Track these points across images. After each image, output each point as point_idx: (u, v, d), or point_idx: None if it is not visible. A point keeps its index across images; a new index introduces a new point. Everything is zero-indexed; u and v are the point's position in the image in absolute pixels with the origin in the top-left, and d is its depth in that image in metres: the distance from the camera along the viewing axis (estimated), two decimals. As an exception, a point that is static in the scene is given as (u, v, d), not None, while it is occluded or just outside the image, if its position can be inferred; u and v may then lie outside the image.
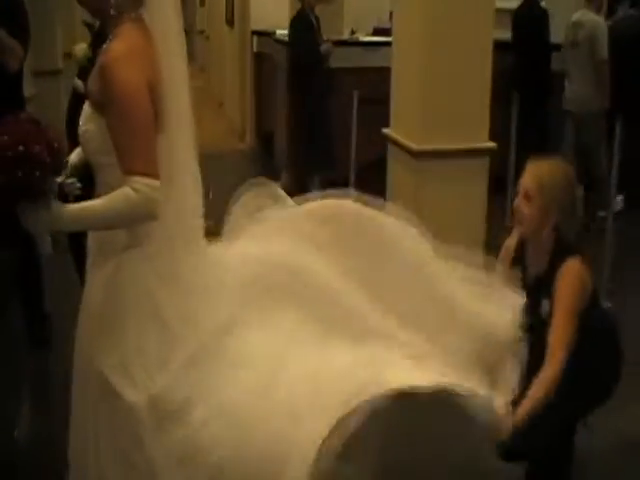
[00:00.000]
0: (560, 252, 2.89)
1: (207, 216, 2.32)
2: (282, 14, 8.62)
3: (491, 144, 4.50)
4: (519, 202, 2.95)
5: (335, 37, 7.84)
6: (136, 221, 2.11)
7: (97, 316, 2.19)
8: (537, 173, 2.94)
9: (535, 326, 2.78)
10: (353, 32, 8.63)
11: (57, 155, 2.05)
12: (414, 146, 4.39)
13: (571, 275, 2.83)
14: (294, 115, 6.92)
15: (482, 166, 4.52)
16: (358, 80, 6.53)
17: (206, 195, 2.31)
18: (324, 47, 6.74)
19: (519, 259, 3.07)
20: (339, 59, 7.43)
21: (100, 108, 2.09)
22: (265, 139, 9.46)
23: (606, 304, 4.26)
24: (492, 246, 4.37)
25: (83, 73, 2.78)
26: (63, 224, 2.10)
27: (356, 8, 8.83)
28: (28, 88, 4.68)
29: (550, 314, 2.82)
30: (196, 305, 2.21)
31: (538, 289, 2.88)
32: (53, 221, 2.07)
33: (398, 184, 4.72)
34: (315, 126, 6.62)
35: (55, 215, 2.05)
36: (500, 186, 6.39)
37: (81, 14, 2.72)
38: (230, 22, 11.73)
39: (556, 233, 2.92)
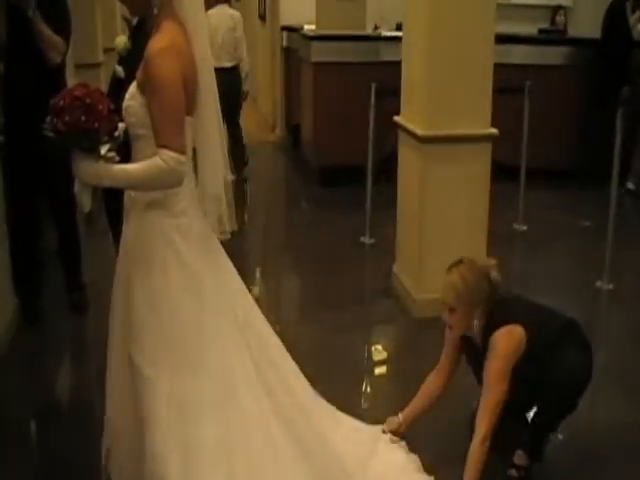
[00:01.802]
0: (488, 328, 3.20)
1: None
2: (309, 10, 8.98)
3: (493, 130, 4.79)
4: (445, 314, 3.26)
5: (358, 32, 8.22)
6: (163, 186, 2.57)
7: (130, 255, 2.67)
8: (452, 286, 3.22)
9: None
10: (376, 27, 8.96)
11: (112, 117, 2.53)
12: (420, 132, 4.73)
13: (496, 352, 3.12)
14: None
15: (484, 151, 4.82)
16: (379, 73, 6.82)
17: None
18: None
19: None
20: (362, 53, 7.81)
21: (142, 89, 2.54)
22: (293, 131, 9.84)
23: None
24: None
25: (123, 61, 3.21)
26: (106, 179, 2.53)
27: (380, 3, 9.12)
28: (70, 79, 5.13)
29: None
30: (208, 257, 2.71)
31: (482, 356, 3.21)
32: (98, 174, 2.52)
33: (407, 167, 5.07)
34: None
35: (101, 169, 2.51)
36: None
37: (120, 10, 3.16)
38: (262, 17, 12.13)
39: (485, 314, 3.24)
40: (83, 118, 2.42)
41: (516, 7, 9.65)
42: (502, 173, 7.24)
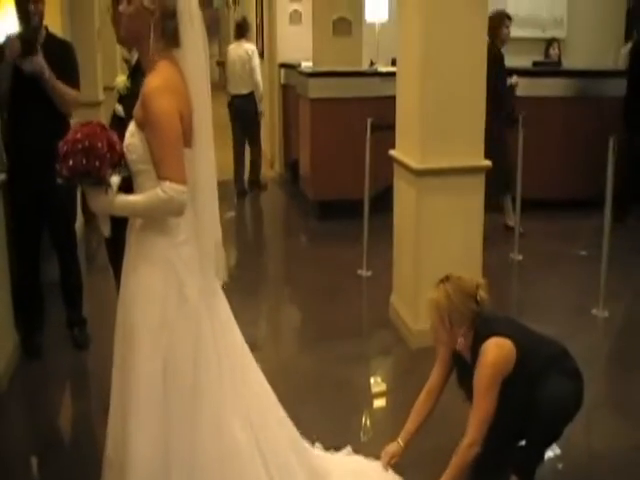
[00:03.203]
0: (476, 342, 3.23)
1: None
2: (306, 48, 9.13)
3: (486, 162, 4.89)
4: (432, 333, 3.34)
5: (354, 68, 8.35)
6: (164, 215, 2.69)
7: (132, 280, 2.76)
8: (435, 303, 3.27)
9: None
10: (372, 63, 9.09)
11: (115, 152, 2.67)
12: (414, 165, 4.81)
13: (484, 361, 3.16)
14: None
15: (478, 182, 4.90)
16: (375, 108, 6.93)
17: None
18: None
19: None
20: (358, 88, 7.93)
21: (142, 127, 2.66)
22: (291, 166, 9.94)
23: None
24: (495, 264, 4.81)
25: (122, 100, 3.32)
26: (113, 208, 2.70)
27: (376, 39, 9.26)
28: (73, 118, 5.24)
29: None
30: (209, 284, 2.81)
31: (471, 372, 3.25)
32: (106, 205, 2.68)
33: (402, 200, 5.14)
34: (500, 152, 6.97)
35: (110, 199, 2.67)
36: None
37: (120, 51, 3.31)
38: (261, 55, 12.28)
39: (472, 332, 3.26)
40: (84, 161, 2.58)
41: (510, 40, 9.78)
42: (497, 203, 7.40)
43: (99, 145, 2.60)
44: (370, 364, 5.03)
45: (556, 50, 10.07)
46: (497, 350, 3.16)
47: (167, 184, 2.60)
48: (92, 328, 5.02)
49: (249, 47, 9.47)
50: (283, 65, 10.31)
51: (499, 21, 7.18)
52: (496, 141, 6.87)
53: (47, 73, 4.48)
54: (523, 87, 7.81)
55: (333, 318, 5.50)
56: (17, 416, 4.18)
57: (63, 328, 5.00)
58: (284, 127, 10.52)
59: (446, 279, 3.32)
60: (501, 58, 7.24)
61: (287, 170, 10.37)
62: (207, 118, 2.77)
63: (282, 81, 10.45)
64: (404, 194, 5.09)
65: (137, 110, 2.70)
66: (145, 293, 2.71)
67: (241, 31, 9.63)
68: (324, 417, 3.95)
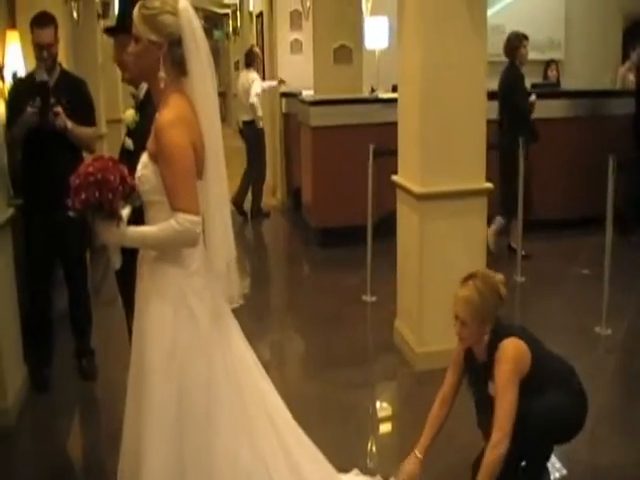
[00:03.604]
0: (494, 340, 3.28)
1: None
2: (307, 76, 9.21)
3: (488, 185, 4.93)
4: (458, 328, 3.33)
5: (355, 95, 8.42)
6: (178, 246, 2.74)
7: (144, 310, 2.80)
8: (467, 300, 3.27)
9: (485, 404, 3.31)
10: (373, 90, 9.16)
11: (127, 185, 2.70)
12: (416, 189, 4.86)
13: (505, 356, 3.21)
14: (504, 164, 7.22)
15: (480, 205, 4.95)
16: (377, 134, 6.98)
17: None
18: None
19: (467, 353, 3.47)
20: (359, 115, 8.00)
21: (154, 159, 2.71)
22: (294, 194, 10.00)
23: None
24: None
25: (131, 133, 3.38)
26: (126, 240, 2.73)
27: (376, 66, 9.33)
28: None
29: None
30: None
31: (485, 374, 3.31)
32: (119, 236, 2.70)
33: (405, 224, 5.18)
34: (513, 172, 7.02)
35: (122, 231, 2.70)
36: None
37: (123, 87, 3.39)
38: (262, 85, 12.42)
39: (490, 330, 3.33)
40: (97, 194, 2.61)
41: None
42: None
43: (111, 178, 2.64)
44: (375, 389, 5.05)
45: (554, 72, 10.16)
46: (515, 349, 3.22)
47: (181, 215, 2.64)
48: (98, 358, 5.06)
49: (251, 76, 9.79)
50: (284, 94, 10.40)
51: (518, 42, 7.34)
52: (509, 160, 6.98)
53: (69, 126, 4.59)
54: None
55: (338, 344, 5.52)
56: (26, 450, 4.18)
57: (70, 358, 5.04)
58: (286, 155, 10.60)
59: (473, 275, 3.33)
60: (522, 77, 7.41)
61: (289, 198, 10.43)
62: (218, 147, 2.82)
63: (283, 110, 10.53)
64: (407, 218, 5.13)
65: (150, 143, 2.75)
66: (157, 322, 2.74)
67: (247, 60, 10.07)
68: (330, 443, 3.91)
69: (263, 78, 10.74)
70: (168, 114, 2.70)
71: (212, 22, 23.56)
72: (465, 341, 3.38)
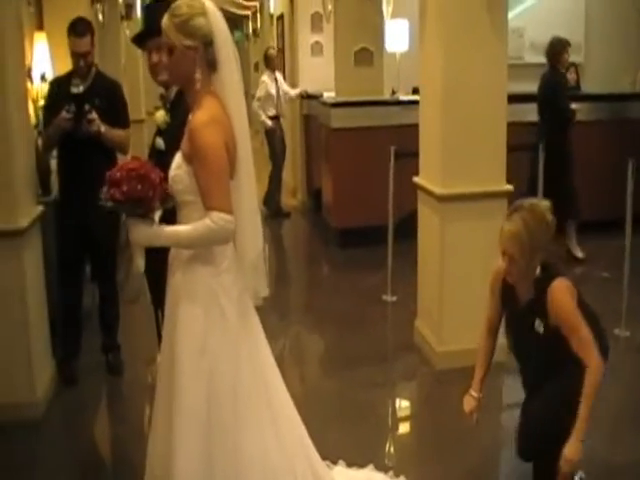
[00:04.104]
0: (544, 278, 3.18)
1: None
2: (328, 78, 9.29)
3: (508, 187, 4.98)
4: (506, 265, 3.19)
5: (376, 97, 8.49)
6: (212, 244, 2.81)
7: (175, 307, 2.87)
8: (514, 234, 3.13)
9: (531, 343, 3.25)
10: (394, 92, 9.21)
11: (164, 186, 2.78)
12: (437, 190, 4.93)
13: (562, 293, 3.14)
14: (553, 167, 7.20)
15: (501, 207, 4.94)
16: (397, 136, 7.05)
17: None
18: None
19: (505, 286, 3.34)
20: (380, 117, 8.07)
21: (188, 159, 2.78)
22: (314, 195, 10.08)
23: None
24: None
25: (162, 134, 3.46)
26: (161, 239, 2.80)
27: (397, 68, 9.38)
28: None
29: (547, 330, 3.16)
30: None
31: (531, 312, 3.22)
32: (153, 235, 2.78)
33: (426, 225, 5.25)
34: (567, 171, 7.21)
35: (155, 231, 2.78)
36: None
37: (158, 88, 3.52)
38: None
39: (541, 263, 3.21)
40: (139, 187, 2.68)
41: (527, 66, 9.88)
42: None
43: (152, 176, 2.72)
44: (395, 387, 5.12)
45: (574, 75, 10.18)
46: (570, 288, 3.16)
47: (216, 214, 2.71)
48: (123, 354, 5.16)
49: (262, 78, 10.21)
50: (305, 95, 10.47)
51: (561, 47, 7.43)
52: (561, 159, 7.04)
53: (102, 129, 4.70)
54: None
55: (358, 343, 5.58)
56: (54, 441, 4.28)
57: (96, 353, 5.14)
58: (306, 156, 10.67)
59: (519, 207, 3.19)
60: (566, 82, 7.61)
61: (310, 199, 10.50)
62: (248, 146, 2.90)
63: (304, 111, 10.60)
64: (428, 220, 5.19)
65: (184, 144, 2.82)
66: (187, 323, 2.82)
67: (265, 62, 10.31)
68: (349, 441, 4.01)
69: (284, 79, 10.86)
70: (202, 115, 2.77)
71: (232, 23, 23.69)
72: (513, 277, 3.23)
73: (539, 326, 3.20)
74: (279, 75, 10.43)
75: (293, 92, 10.53)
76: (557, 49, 7.38)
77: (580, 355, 3.10)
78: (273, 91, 10.07)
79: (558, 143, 7.09)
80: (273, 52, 10.41)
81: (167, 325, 2.94)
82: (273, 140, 10.14)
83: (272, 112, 10.05)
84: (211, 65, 2.82)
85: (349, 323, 6.03)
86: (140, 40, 3.65)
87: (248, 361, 2.89)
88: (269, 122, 9.97)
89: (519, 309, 3.29)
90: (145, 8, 3.95)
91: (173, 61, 2.84)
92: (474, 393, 3.41)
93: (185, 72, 2.82)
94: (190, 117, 2.83)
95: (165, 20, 2.83)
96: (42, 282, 4.74)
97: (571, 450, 3.02)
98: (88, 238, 4.87)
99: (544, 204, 3.22)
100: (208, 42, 2.80)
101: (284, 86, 10.41)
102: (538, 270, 3.21)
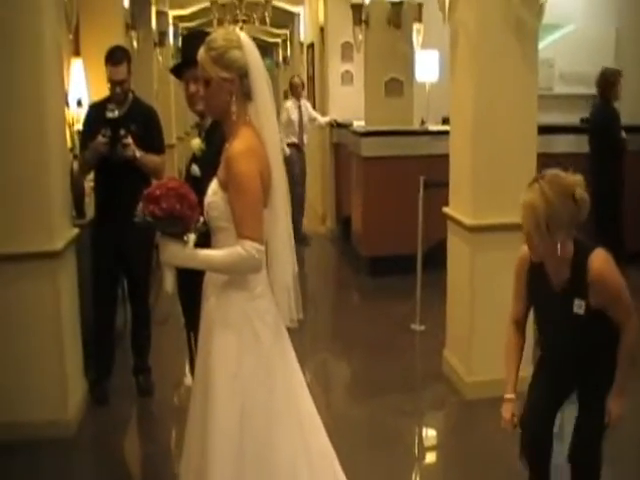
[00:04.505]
0: (579, 253, 3.01)
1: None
2: (357, 107, 9.36)
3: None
4: (526, 241, 3.04)
5: (405, 127, 8.55)
6: (241, 272, 2.85)
7: (209, 331, 2.90)
8: (529, 205, 2.94)
9: (567, 328, 3.11)
10: (423, 122, 9.26)
11: (200, 210, 2.83)
12: (467, 221, 4.96)
13: (605, 262, 3.01)
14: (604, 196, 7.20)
15: (531, 238, 5.02)
16: (426, 166, 7.09)
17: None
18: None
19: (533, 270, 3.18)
20: (409, 147, 8.12)
21: (224, 187, 2.84)
22: (343, 223, 10.12)
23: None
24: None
25: (198, 161, 3.54)
26: (194, 261, 2.83)
27: (426, 99, 9.45)
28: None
29: (587, 311, 3.03)
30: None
31: (568, 294, 3.06)
32: (186, 257, 2.81)
33: (456, 255, 5.27)
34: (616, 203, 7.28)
35: (189, 252, 2.81)
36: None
37: (193, 117, 3.60)
38: (312, 113, 12.62)
39: (569, 238, 3.01)
40: (178, 206, 2.72)
41: (557, 97, 9.90)
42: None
43: (191, 196, 2.78)
44: (423, 416, 5.12)
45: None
46: (610, 258, 3.01)
47: (248, 242, 2.75)
48: (154, 376, 5.21)
49: (286, 104, 10.41)
50: (335, 124, 10.55)
51: (614, 78, 7.44)
52: (613, 189, 7.03)
53: (137, 155, 4.79)
54: (572, 144, 7.93)
55: (387, 371, 5.60)
56: (86, 459, 4.37)
57: (127, 375, 5.20)
58: (336, 184, 10.74)
59: (541, 177, 2.98)
60: (619, 114, 7.54)
61: (339, 226, 10.55)
62: (282, 173, 2.95)
63: (334, 140, 10.68)
64: (458, 249, 5.22)
65: (221, 171, 2.88)
66: (222, 349, 2.85)
67: (290, 90, 10.44)
68: (377, 469, 4.02)
69: (313, 108, 10.96)
70: (239, 145, 2.83)
71: (262, 51, 23.77)
72: (537, 255, 3.05)
73: (579, 307, 3.05)
74: (305, 102, 10.48)
75: (322, 120, 10.59)
76: (610, 80, 7.36)
77: (620, 319, 3.02)
78: (294, 117, 10.12)
79: (611, 173, 7.06)
80: (297, 80, 10.46)
81: (201, 349, 2.98)
82: (288, 167, 9.96)
83: (292, 139, 10.06)
84: (246, 95, 2.88)
85: (377, 351, 6.05)
86: (178, 70, 3.73)
87: (282, 386, 2.93)
88: (287, 149, 9.89)
89: (553, 293, 3.12)
90: (183, 39, 4.04)
91: (210, 93, 2.89)
92: (509, 395, 3.25)
93: (222, 103, 2.88)
94: (227, 146, 2.89)
95: (202, 53, 2.89)
96: (76, 303, 4.82)
97: (615, 404, 3.06)
98: (123, 259, 4.96)
99: (572, 177, 2.99)
100: (243, 74, 2.86)
101: (312, 113, 10.45)
102: (571, 248, 3.03)
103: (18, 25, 4.27)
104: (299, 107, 10.20)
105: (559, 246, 2.95)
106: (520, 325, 3.35)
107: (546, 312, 3.24)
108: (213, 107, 2.95)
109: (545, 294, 3.17)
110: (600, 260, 3.01)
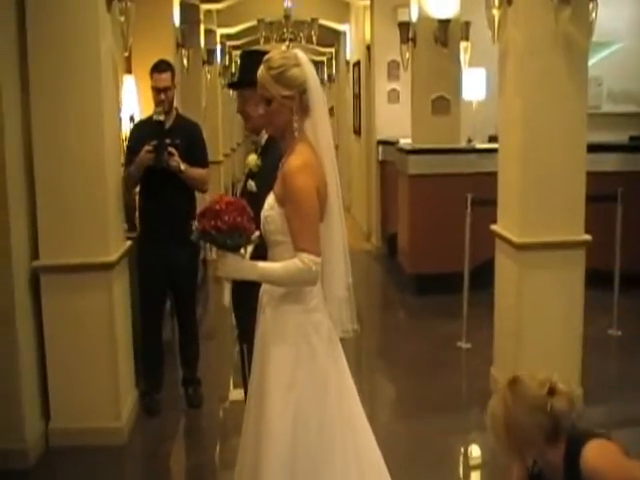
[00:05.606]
0: (570, 451, 2.55)
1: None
2: (403, 125, 9.41)
3: (586, 237, 4.98)
4: (499, 449, 2.68)
5: (452, 145, 8.58)
6: (299, 285, 2.91)
7: (265, 344, 2.96)
8: (490, 415, 2.62)
9: None
10: (470, 140, 9.28)
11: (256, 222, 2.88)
12: (515, 239, 4.96)
13: (597, 459, 2.51)
14: None
15: (579, 257, 5.00)
16: (472, 184, 7.10)
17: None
18: None
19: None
20: (456, 165, 8.14)
21: (281, 202, 2.91)
22: (389, 240, 10.15)
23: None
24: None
25: (254, 176, 3.62)
26: (253, 273, 2.88)
27: (473, 117, 9.47)
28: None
29: None
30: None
31: None
32: (246, 269, 2.87)
33: (503, 273, 5.27)
34: None
35: (249, 265, 2.88)
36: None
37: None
38: (357, 132, 12.68)
39: (560, 443, 2.57)
40: (239, 219, 2.78)
41: (606, 116, 9.86)
42: (596, 279, 7.36)
43: (249, 210, 2.85)
44: (470, 435, 5.08)
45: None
46: (606, 447, 2.54)
47: (305, 255, 2.82)
48: (203, 388, 5.27)
49: None
50: (381, 142, 10.61)
51: None
52: None
53: (182, 167, 4.86)
54: (621, 163, 7.89)
55: (432, 389, 5.60)
56: (136, 467, 4.48)
57: (175, 386, 5.28)
58: (382, 201, 10.78)
59: (511, 382, 2.63)
60: None
61: (384, 243, 10.58)
62: (337, 187, 3.00)
63: (380, 157, 10.73)
64: (505, 267, 5.22)
65: (277, 187, 2.95)
66: (278, 358, 2.91)
67: None
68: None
69: (359, 127, 10.95)
70: (296, 160, 2.90)
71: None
72: (509, 459, 2.71)
73: None
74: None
75: None
76: None
77: None
78: None
79: None
80: None
81: (256, 361, 3.04)
82: None
83: None
84: (304, 111, 2.95)
85: (423, 368, 6.06)
86: (235, 87, 3.82)
87: (335, 398, 2.96)
88: None
89: None
90: (241, 57, 4.13)
91: (272, 111, 2.96)
92: None
93: (284, 120, 2.95)
94: (283, 161, 2.96)
95: (261, 72, 2.96)
96: (129, 313, 4.93)
97: None
98: (169, 272, 5.01)
99: (553, 384, 2.56)
100: (302, 90, 2.93)
101: None
102: (561, 452, 2.57)
103: (78, 44, 4.42)
104: None
105: (550, 454, 2.56)
106: None
107: None
108: (275, 124, 3.01)
109: None
110: (593, 455, 2.52)
